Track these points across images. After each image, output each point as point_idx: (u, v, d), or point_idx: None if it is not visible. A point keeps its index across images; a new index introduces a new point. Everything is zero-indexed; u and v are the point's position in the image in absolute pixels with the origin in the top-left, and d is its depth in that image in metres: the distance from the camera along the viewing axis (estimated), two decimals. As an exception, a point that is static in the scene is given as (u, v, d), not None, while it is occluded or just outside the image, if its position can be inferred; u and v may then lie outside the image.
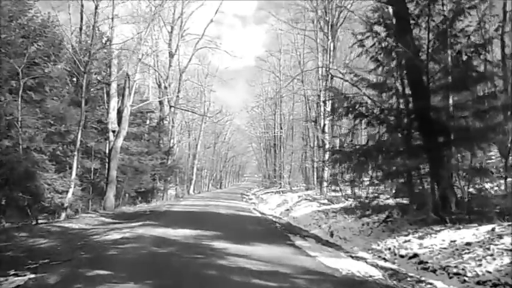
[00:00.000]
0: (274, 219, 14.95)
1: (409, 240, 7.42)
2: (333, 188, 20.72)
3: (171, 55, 29.27)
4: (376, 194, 10.19)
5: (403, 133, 8.53)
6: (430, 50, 8.26)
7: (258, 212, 18.21)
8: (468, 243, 6.32)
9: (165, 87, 28.49)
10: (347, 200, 15.82)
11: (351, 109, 8.40)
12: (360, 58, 10.22)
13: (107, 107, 18.48)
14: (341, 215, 12.22)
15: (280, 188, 35.09)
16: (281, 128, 37.14)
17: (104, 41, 18.98)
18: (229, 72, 78.48)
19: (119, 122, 18.44)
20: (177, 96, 28.50)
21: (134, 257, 6.55)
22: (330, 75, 19.35)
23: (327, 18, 20.82)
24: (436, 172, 8.30)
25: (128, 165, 19.71)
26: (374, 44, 8.48)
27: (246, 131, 66.33)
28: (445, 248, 6.51)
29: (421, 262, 6.49)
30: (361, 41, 8.52)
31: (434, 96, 8.29)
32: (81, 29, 18.95)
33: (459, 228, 7.10)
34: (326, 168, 20.09)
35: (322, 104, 20.64)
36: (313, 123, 28.04)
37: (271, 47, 41.86)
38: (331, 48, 20.22)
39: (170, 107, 23.77)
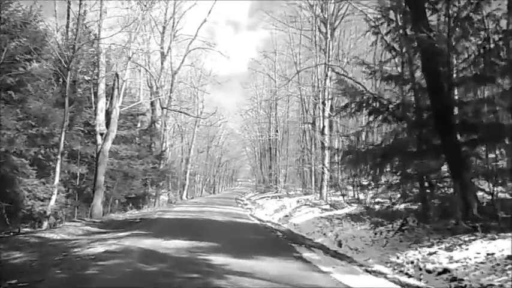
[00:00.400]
0: (273, 227, 13.98)
1: (435, 253, 6.49)
2: (333, 192, 19.85)
3: (163, 56, 28.27)
4: (391, 199, 9.22)
5: (422, 131, 7.62)
6: (451, 39, 7.37)
7: (255, 219, 17.23)
8: (510, 257, 5.40)
9: (157, 89, 27.48)
10: (350, 205, 14.92)
11: (364, 104, 7.47)
12: (366, 53, 9.34)
13: (94, 108, 17.42)
14: (347, 222, 11.29)
15: (276, 192, 34.14)
16: (276, 131, 36.24)
17: (91, 38, 17.99)
18: (223, 78, 77.55)
19: (107, 124, 17.39)
20: (170, 97, 27.47)
21: (116, 277, 5.52)
22: (330, 72, 18.47)
23: (325, 16, 19.99)
24: (459, 174, 7.41)
25: (117, 169, 18.62)
26: (389, 31, 7.59)
27: (240, 135, 65.44)
28: (482, 263, 5.58)
29: (454, 279, 5.55)
30: (376, 27, 7.60)
31: (457, 89, 7.41)
32: (67, 26, 17.93)
33: (493, 238, 6.19)
34: (326, 172, 19.19)
35: (321, 104, 19.77)
36: (310, 125, 27.19)
37: (266, 49, 41.20)
38: (330, 47, 19.37)
39: (162, 108, 22.72)
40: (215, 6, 58.74)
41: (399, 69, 8.01)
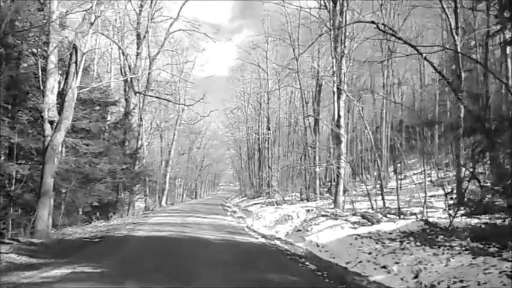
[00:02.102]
0: (288, 248, 10.01)
1: None
2: (347, 199, 16.02)
3: (139, 38, 23.96)
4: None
5: None
6: None
7: (256, 234, 13.20)
8: None
9: (132, 75, 23.17)
10: (386, 216, 11.06)
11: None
12: None
13: (42, 88, 13.05)
14: (413, 244, 7.39)
15: (269, 197, 30.14)
16: (268, 129, 32.26)
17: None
18: (205, 80, 72.84)
19: (60, 110, 13.02)
20: (147, 83, 22.98)
21: None
22: (344, 47, 14.59)
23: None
24: None
25: (73, 170, 14.26)
26: None
27: (223, 136, 61.22)
28: None
29: None
30: None
31: None
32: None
33: None
34: (343, 173, 15.33)
35: (335, 88, 15.91)
36: (311, 120, 23.42)
37: (256, 43, 37.08)
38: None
39: (136, 93, 18.26)
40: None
41: None
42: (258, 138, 37.63)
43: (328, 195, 22.23)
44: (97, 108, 20.25)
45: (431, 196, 13.70)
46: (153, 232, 12.12)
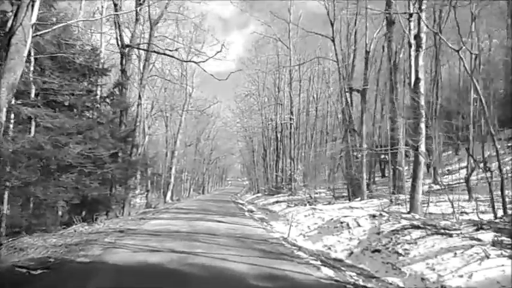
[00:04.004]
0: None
1: None
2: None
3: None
4: None
5: None
6: None
7: (304, 253, 8.47)
8: None
9: (131, 37, 18.46)
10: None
11: None
12: None
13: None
14: None
15: (291, 194, 25.43)
16: (291, 114, 27.36)
17: None
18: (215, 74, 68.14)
19: (4, 57, 8.43)
20: (148, 46, 18.03)
21: None
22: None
23: None
24: None
25: (24, 151, 9.56)
26: None
27: (233, 126, 56.36)
28: None
29: None
30: None
31: None
32: None
33: None
34: (422, 160, 10.56)
35: (412, 42, 11.05)
36: (348, 95, 18.60)
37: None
38: None
39: (127, 47, 13.27)
40: None
41: None
42: (276, 126, 32.79)
43: (376, 192, 17.39)
44: (82, 78, 15.69)
45: None
46: (142, 254, 7.39)
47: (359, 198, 16.56)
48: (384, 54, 19.96)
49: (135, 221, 14.48)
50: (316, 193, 23.52)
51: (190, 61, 14.57)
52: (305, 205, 17.34)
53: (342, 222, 11.26)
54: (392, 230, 8.47)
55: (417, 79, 10.84)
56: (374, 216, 10.44)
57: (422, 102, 10.68)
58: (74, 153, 10.41)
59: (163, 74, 29.10)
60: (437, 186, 14.71)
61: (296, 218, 15.32)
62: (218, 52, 11.63)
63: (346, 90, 17.62)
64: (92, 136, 14.11)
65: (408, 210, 10.88)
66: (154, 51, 14.93)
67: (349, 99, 18.53)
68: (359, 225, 10.38)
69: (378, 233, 8.88)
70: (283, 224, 15.65)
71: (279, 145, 32.89)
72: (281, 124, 30.45)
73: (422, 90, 10.77)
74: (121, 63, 19.02)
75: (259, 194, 36.50)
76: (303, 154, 29.39)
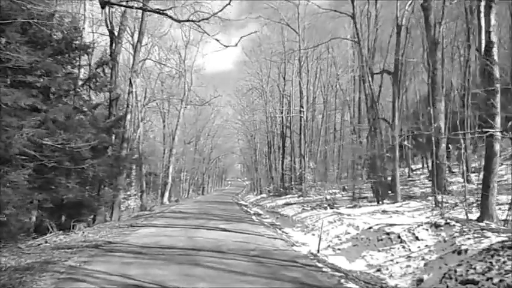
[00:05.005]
0: None
1: None
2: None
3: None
4: None
5: None
6: None
7: (354, 283, 5.75)
8: None
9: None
10: None
11: None
12: None
13: None
14: None
15: (302, 195, 22.75)
16: (301, 107, 24.63)
17: None
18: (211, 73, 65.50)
19: None
20: (139, 35, 15.39)
21: None
22: None
23: None
24: None
25: None
26: None
27: (234, 123, 53.72)
28: None
29: None
30: None
31: None
32: None
33: None
34: (496, 148, 7.93)
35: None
36: (370, 80, 15.98)
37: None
38: None
39: (106, 4, 10.63)
40: None
41: None
42: (282, 120, 30.09)
43: (401, 193, 14.71)
44: (59, 57, 12.99)
45: None
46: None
47: (392, 200, 13.86)
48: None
49: (122, 229, 11.81)
50: (330, 195, 20.84)
51: (188, 20, 11.71)
52: (325, 208, 14.65)
53: (388, 233, 8.57)
54: (485, 250, 5.78)
55: (489, 43, 8.17)
56: (437, 225, 7.74)
57: (497, 73, 8.00)
58: (24, 141, 7.65)
59: (159, 63, 26.38)
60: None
61: (316, 225, 12.65)
62: (226, 6, 8.87)
63: (372, 73, 14.91)
64: (68, 124, 11.47)
65: (478, 216, 8.18)
66: (142, 9, 12.13)
67: (372, 84, 15.85)
68: (417, 239, 7.71)
69: (459, 253, 6.19)
70: (301, 231, 12.99)
71: (286, 141, 30.20)
72: (289, 118, 27.74)
73: (496, 57, 8.10)
74: (110, 45, 16.37)
75: (264, 195, 33.80)
76: (317, 148, 26.65)
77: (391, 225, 9.01)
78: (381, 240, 8.54)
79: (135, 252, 7.35)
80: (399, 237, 8.09)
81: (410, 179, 19.14)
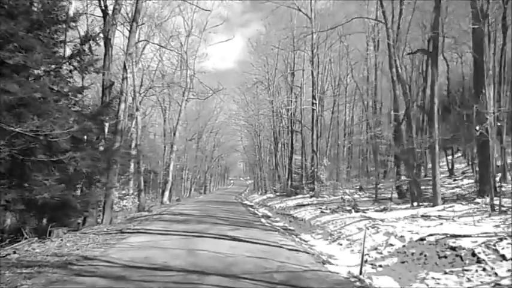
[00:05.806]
0: None
1: None
2: None
3: None
4: None
5: None
6: None
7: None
8: None
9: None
10: None
11: None
12: None
13: None
14: None
15: (314, 196, 20.64)
16: (313, 98, 22.47)
17: None
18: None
19: None
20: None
21: None
22: None
23: None
24: None
25: None
26: None
27: (238, 119, 51.69)
28: None
29: None
30: None
31: None
32: None
33: None
34: None
35: None
36: (398, 66, 13.82)
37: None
38: None
39: None
40: None
41: None
42: (290, 114, 27.96)
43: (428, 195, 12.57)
44: (37, 31, 10.93)
45: None
46: None
47: (430, 203, 11.73)
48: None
49: (109, 236, 9.74)
50: (348, 194, 18.72)
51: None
52: (349, 212, 12.52)
53: (453, 248, 6.46)
54: None
55: None
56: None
57: None
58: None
59: (160, 46, 24.33)
60: None
61: (343, 232, 10.53)
62: None
63: (402, 55, 12.77)
64: (44, 108, 9.42)
65: None
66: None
67: (400, 70, 13.71)
68: (504, 258, 5.61)
69: None
70: (323, 240, 10.87)
71: (294, 137, 28.09)
72: (299, 111, 25.63)
73: None
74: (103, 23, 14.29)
75: (270, 195, 31.66)
76: (326, 145, 24.58)
77: (454, 236, 6.89)
78: (445, 257, 6.43)
79: (113, 276, 5.25)
80: (474, 254, 5.98)
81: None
